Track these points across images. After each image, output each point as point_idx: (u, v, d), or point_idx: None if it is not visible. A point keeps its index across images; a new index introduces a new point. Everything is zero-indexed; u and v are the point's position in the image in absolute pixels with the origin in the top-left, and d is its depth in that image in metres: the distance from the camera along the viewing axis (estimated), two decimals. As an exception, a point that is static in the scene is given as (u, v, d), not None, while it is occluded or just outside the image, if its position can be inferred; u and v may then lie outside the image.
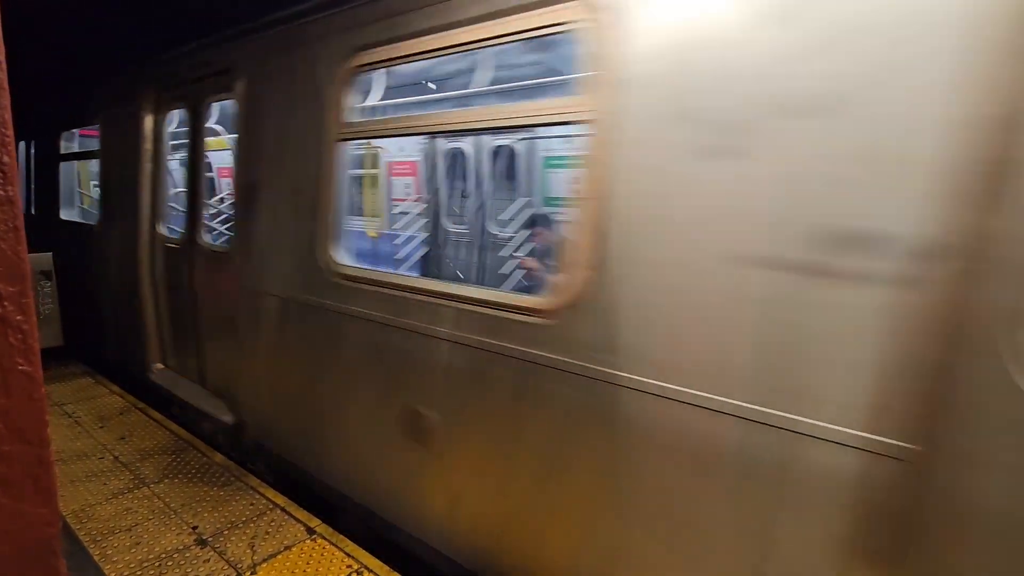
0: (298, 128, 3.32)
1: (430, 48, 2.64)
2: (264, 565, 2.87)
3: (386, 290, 2.87)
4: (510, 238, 6.19)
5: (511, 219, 6.29)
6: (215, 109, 5.12)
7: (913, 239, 1.47)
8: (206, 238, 4.45)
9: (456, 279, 6.53)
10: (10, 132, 0.82)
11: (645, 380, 1.97)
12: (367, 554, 2.96)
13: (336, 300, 3.10)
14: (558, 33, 2.21)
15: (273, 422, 3.78)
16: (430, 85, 6.02)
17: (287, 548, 3.00)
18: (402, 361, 2.83)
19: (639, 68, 1.93)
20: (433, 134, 5.88)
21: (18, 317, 0.83)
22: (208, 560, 2.90)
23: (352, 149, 5.78)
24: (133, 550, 2.97)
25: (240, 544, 3.04)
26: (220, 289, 4.15)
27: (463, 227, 6.74)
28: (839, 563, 1.66)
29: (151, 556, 2.92)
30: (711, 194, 1.79)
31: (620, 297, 2.01)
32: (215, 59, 4.07)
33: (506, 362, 2.37)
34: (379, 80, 5.16)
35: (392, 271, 3.51)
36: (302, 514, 3.32)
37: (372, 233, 7.62)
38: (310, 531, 3.15)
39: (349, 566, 2.86)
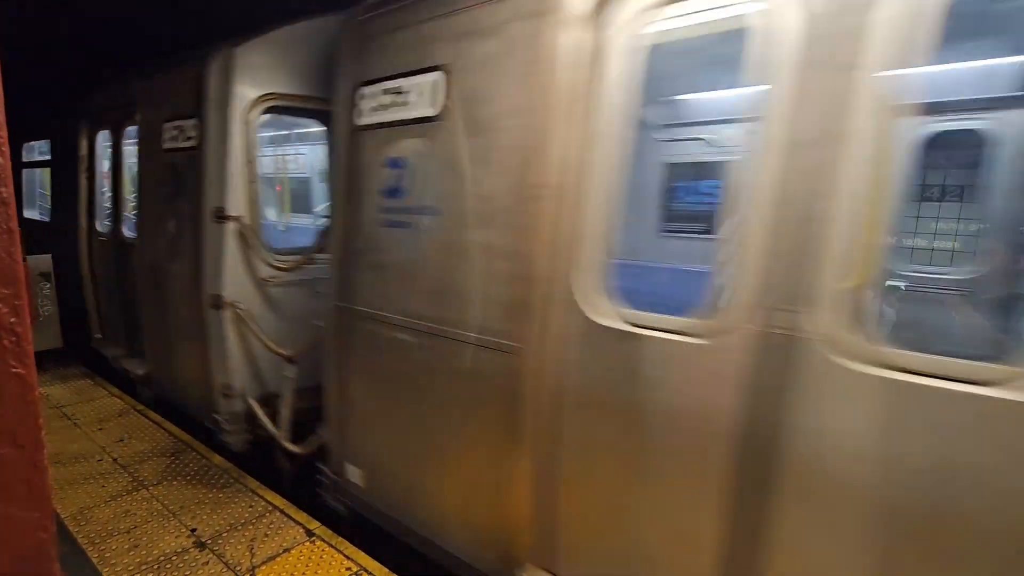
0: None
1: None
2: (263, 567, 2.86)
3: None
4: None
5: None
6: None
7: None
8: None
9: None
10: (4, 134, 0.81)
11: None
12: (366, 556, 2.95)
13: None
14: None
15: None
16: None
17: (286, 550, 2.99)
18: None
19: None
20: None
21: (12, 319, 0.82)
22: (207, 562, 2.89)
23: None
24: (132, 552, 2.96)
25: (239, 546, 3.03)
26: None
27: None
28: None
29: (150, 559, 2.91)
30: None
31: None
32: None
33: None
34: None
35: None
36: (301, 516, 3.31)
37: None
38: (309, 533, 3.14)
39: (348, 568, 2.85)
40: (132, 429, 4.47)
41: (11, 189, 0.82)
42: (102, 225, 5.78)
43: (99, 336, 6.04)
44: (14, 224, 0.82)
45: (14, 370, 0.83)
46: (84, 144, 5.81)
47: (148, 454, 4.06)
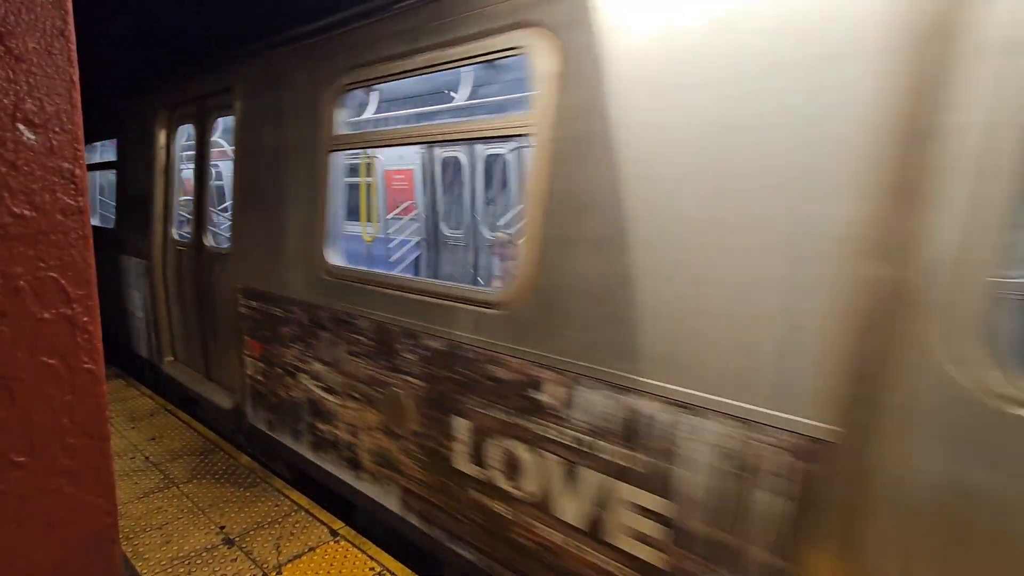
0: None
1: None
2: (289, 565, 2.93)
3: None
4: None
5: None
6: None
7: None
8: None
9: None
10: (81, 147, 0.88)
11: None
12: (389, 557, 3.00)
13: None
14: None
15: None
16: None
17: (311, 549, 3.06)
18: None
19: None
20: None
21: (84, 318, 0.89)
22: (235, 559, 2.97)
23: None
24: (164, 548, 3.05)
25: (266, 544, 3.10)
26: None
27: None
28: None
29: (180, 554, 3.00)
30: None
31: None
32: None
33: None
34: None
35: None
36: (325, 516, 3.38)
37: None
38: (333, 533, 3.20)
39: (372, 568, 2.90)
40: (163, 428, 4.61)
41: (87, 198, 0.89)
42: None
43: None
44: (88, 231, 0.89)
45: (86, 366, 0.90)
46: None
47: (178, 453, 4.18)
